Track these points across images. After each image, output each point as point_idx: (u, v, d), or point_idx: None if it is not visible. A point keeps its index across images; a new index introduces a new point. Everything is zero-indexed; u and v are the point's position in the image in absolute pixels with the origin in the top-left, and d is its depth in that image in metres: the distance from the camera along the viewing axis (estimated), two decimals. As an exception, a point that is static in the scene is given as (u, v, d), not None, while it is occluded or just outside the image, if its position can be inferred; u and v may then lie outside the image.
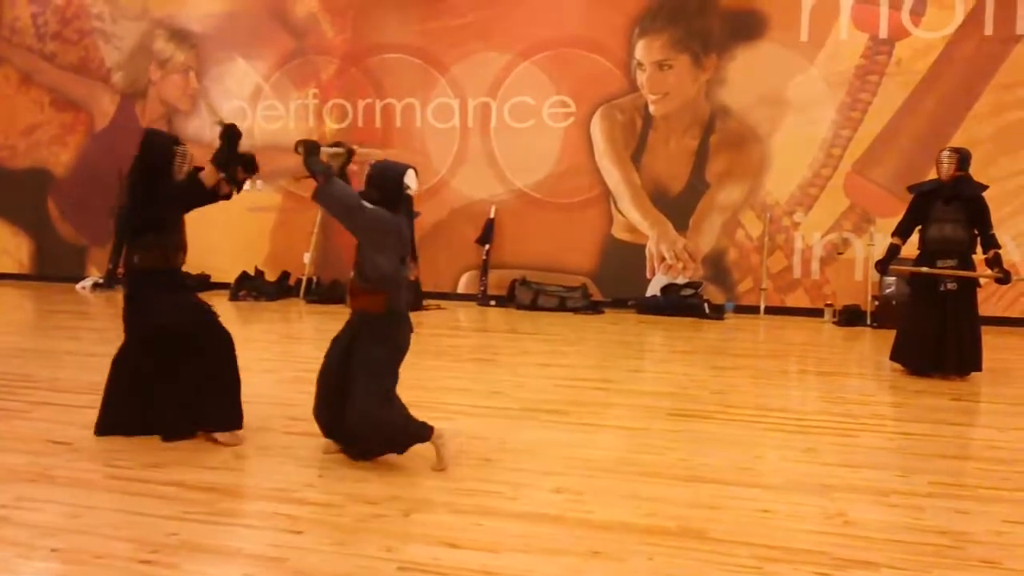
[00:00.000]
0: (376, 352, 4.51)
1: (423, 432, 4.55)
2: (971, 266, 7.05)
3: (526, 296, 11.00)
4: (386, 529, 3.78)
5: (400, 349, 4.60)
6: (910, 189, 7.32)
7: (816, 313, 10.34)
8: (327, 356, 4.77)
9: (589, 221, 11.07)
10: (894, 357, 7.27)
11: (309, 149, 4.59)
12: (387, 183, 4.54)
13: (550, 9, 11.07)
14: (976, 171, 7.15)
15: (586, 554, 3.53)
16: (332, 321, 9.93)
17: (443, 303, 11.18)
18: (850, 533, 3.78)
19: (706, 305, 10.43)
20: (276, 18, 12.08)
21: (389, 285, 4.50)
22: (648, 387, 6.86)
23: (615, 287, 11.10)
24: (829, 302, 10.32)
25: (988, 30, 9.77)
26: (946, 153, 7.07)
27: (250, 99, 12.29)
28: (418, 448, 4.61)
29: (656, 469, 4.62)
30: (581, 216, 11.09)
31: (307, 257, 11.90)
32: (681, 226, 10.81)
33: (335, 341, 4.75)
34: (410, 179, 4.57)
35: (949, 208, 6.99)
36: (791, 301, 10.50)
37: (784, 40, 10.29)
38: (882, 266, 7.38)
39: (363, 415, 4.44)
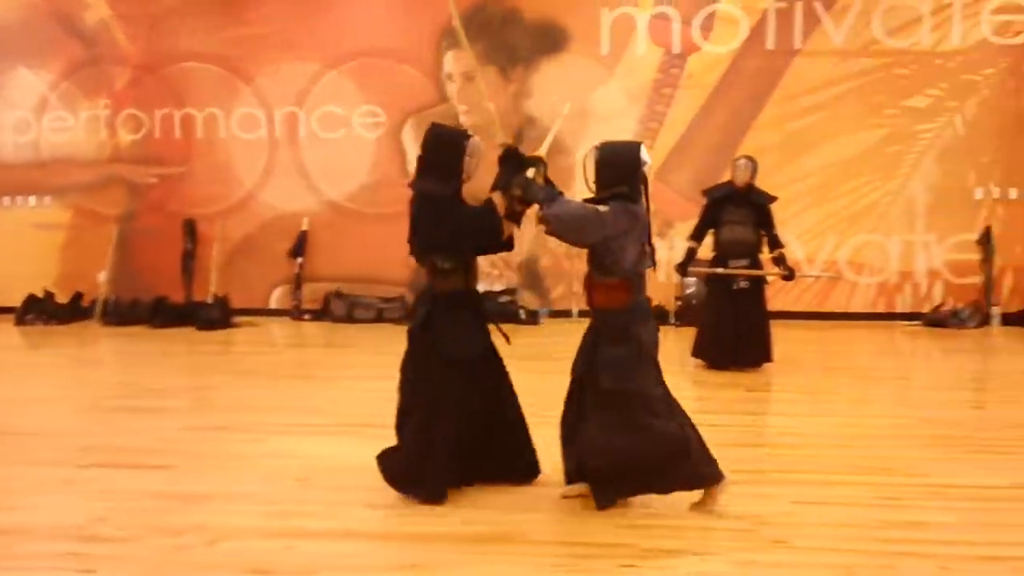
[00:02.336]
0: (618, 352, 4.03)
1: (707, 473, 4.03)
2: (760, 265, 7.53)
3: (342, 309, 10.86)
4: (192, 561, 3.62)
5: (647, 349, 4.09)
6: (705, 193, 7.74)
7: (625, 315, 10.71)
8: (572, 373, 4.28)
9: (404, 231, 10.92)
10: (695, 353, 7.65)
11: (521, 182, 4.11)
12: (626, 165, 4.09)
13: (356, 19, 10.98)
14: (762, 177, 7.63)
15: (404, 568, 3.51)
16: (133, 343, 9.48)
17: (255, 319, 10.86)
18: (655, 523, 3.95)
19: (522, 311, 10.62)
20: (62, 26, 11.37)
21: (632, 276, 4.10)
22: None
23: (431, 297, 11.10)
24: (636, 304, 10.71)
25: (770, 45, 10.48)
26: (743, 161, 7.50)
27: (35, 110, 11.50)
28: (237, 469, 4.43)
29: (475, 476, 4.65)
30: (396, 226, 10.73)
31: (102, 276, 11.25)
32: (494, 234, 10.95)
33: (579, 351, 4.24)
34: (645, 154, 4.16)
35: (740, 212, 7.43)
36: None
37: (586, 54, 10.65)
38: (681, 268, 7.76)
39: (599, 433, 4.00)
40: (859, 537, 3.77)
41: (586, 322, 4.34)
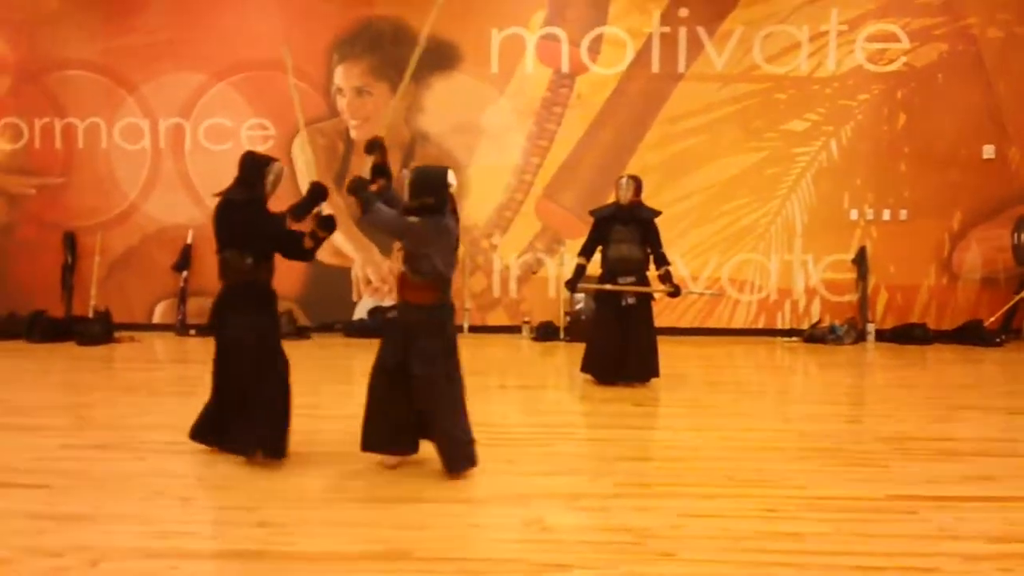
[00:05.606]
0: (433, 344, 4.81)
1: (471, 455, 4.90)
2: (647, 282, 7.73)
3: (228, 324, 10.62)
4: (73, 583, 3.51)
5: (452, 341, 4.93)
6: (592, 213, 7.91)
7: (515, 330, 10.87)
8: (379, 358, 4.99)
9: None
10: (584, 368, 7.79)
11: (356, 186, 4.86)
12: (433, 186, 4.80)
13: (244, 31, 10.84)
14: (647, 197, 7.86)
15: (292, 586, 3.48)
16: (9, 358, 9.07)
17: (137, 334, 10.54)
18: (546, 538, 4.01)
19: (411, 326, 10.60)
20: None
21: (441, 280, 4.82)
22: (358, 411, 6.85)
23: (321, 311, 11.02)
24: (526, 319, 10.88)
25: (655, 68, 10.80)
26: (624, 180, 7.71)
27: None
28: (117, 489, 4.29)
29: (367, 494, 4.64)
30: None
31: (-24, 289, 10.77)
32: (386, 250, 10.95)
33: (385, 341, 5.00)
34: (452, 178, 4.86)
35: (626, 230, 7.63)
36: (492, 319, 10.95)
37: (476, 72, 10.78)
38: (571, 284, 7.90)
39: (430, 389, 4.81)
40: (741, 548, 3.90)
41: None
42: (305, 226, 5.19)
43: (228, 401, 5.20)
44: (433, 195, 4.79)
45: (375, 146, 5.06)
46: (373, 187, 4.95)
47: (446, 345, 4.88)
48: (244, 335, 5.11)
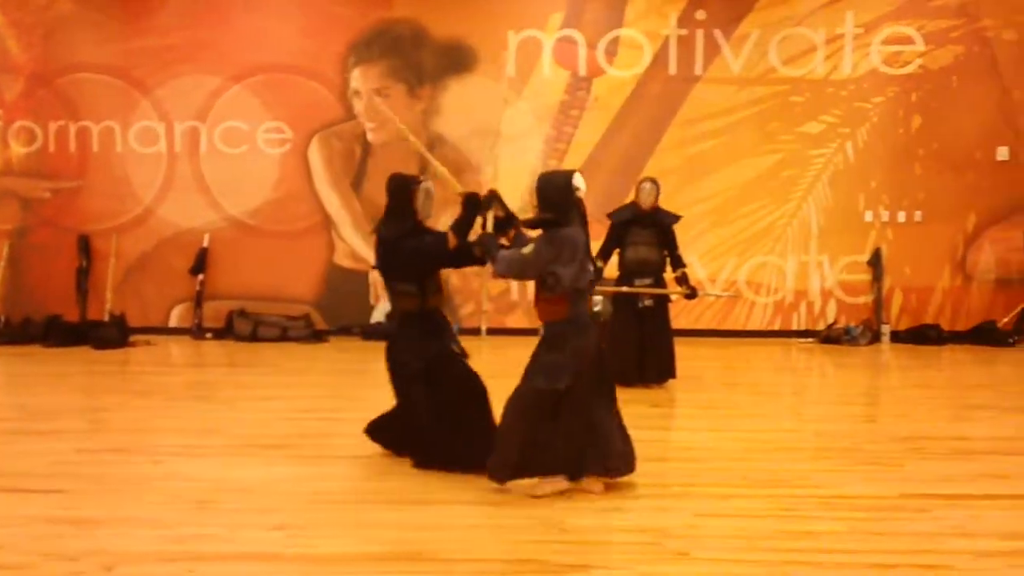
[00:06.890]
0: (552, 357, 4.56)
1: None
2: (664, 284, 7.71)
3: (245, 327, 10.66)
4: (89, 585, 3.50)
5: (578, 355, 4.56)
6: (609, 216, 7.89)
7: (534, 332, 10.74)
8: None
9: (310, 249, 10.93)
10: (604, 371, 7.75)
11: (482, 241, 4.76)
12: (556, 193, 4.56)
13: (261, 33, 10.87)
14: (664, 199, 7.83)
15: (309, 587, 3.47)
16: (25, 363, 9.12)
17: (153, 338, 10.58)
18: (566, 539, 4.00)
19: (427, 329, 10.59)
20: (-51, 32, 10.95)
21: (570, 294, 4.55)
22: (376, 413, 6.86)
23: (339, 315, 11.02)
24: (543, 322, 10.85)
25: (672, 71, 10.77)
26: (648, 184, 7.68)
27: (-80, 120, 11.03)
28: (133, 493, 4.29)
29: (384, 496, 4.63)
30: (301, 244, 10.93)
31: (-7, 294, 10.84)
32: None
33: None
34: (578, 181, 4.60)
35: (644, 233, 7.63)
36: (511, 322, 10.92)
37: (493, 74, 10.78)
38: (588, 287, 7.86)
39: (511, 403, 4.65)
40: (756, 548, 3.89)
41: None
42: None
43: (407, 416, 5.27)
44: (554, 209, 4.55)
45: (492, 200, 4.88)
46: (503, 240, 4.83)
47: (571, 360, 4.55)
48: (413, 360, 5.12)
